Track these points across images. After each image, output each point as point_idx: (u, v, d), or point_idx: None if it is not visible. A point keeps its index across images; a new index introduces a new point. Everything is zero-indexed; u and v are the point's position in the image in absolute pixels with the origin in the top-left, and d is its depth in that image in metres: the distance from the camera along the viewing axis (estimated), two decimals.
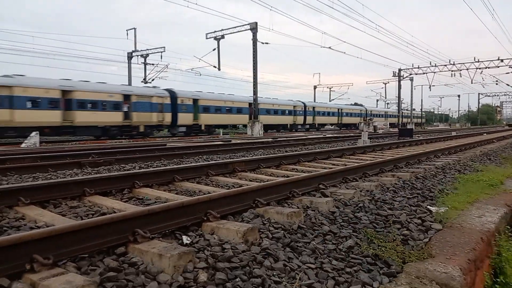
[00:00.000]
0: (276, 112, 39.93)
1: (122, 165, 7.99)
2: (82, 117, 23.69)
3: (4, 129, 20.67)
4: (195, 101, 31.27)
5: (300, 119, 44.11)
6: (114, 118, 25.48)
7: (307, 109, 45.17)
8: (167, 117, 28.94)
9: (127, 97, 26.42)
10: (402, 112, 57.10)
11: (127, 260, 2.42)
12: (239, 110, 35.28)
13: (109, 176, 4.88)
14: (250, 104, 34.06)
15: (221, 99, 34.00)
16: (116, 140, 22.41)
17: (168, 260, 2.30)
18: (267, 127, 36.41)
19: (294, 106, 43.33)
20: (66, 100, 23.19)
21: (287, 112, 41.90)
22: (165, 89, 30.05)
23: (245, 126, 34.58)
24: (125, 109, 26.20)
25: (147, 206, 3.44)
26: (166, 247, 2.47)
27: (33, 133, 16.62)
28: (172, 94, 29.68)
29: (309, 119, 45.69)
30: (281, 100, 42.55)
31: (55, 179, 5.75)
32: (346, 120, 53.40)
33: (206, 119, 31.77)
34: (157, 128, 29.51)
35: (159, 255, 2.36)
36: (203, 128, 31.75)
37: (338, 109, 52.49)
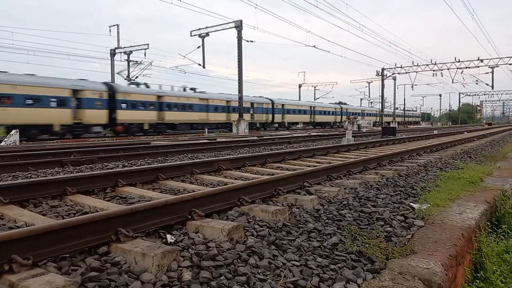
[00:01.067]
0: (325, 113, 53.94)
1: (105, 163, 7.87)
2: (234, 117, 34.09)
3: (204, 124, 33.48)
4: (283, 105, 44.99)
5: (338, 118, 57.30)
6: (247, 117, 36.03)
7: (343, 110, 58.55)
8: (270, 117, 43.20)
9: (252, 104, 40.32)
10: (405, 112, 74.26)
11: (109, 260, 2.38)
12: (305, 111, 49.78)
13: (92, 175, 4.79)
14: (310, 107, 50.80)
15: (296, 104, 48.56)
16: (99, 139, 22.18)
17: (151, 259, 2.27)
18: (319, 124, 51.87)
19: (335, 108, 57.06)
20: (228, 107, 37.01)
21: (331, 113, 55.69)
22: (267, 98, 43.19)
23: (305, 123, 50.06)
24: (251, 112, 40.06)
25: (130, 205, 3.39)
26: (150, 246, 2.44)
27: (13, 131, 16.21)
28: (272, 101, 43.40)
29: (344, 118, 57.68)
30: (328, 104, 57.96)
31: (35, 178, 5.62)
32: (366, 118, 65.05)
33: (288, 118, 46.02)
34: (263, 125, 42.11)
35: (142, 254, 2.33)
36: (286, 124, 45.45)
37: (362, 110, 66.45)
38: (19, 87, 21.13)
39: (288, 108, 45.89)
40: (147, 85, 30.30)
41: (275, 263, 2.52)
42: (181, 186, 5.04)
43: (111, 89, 26.38)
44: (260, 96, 42.76)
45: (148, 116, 28.62)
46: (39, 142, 17.99)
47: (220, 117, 36.13)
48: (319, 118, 51.96)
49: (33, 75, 22.96)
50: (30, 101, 21.76)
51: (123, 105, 26.80)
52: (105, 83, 26.78)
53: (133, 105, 27.55)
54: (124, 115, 26.75)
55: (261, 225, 3.19)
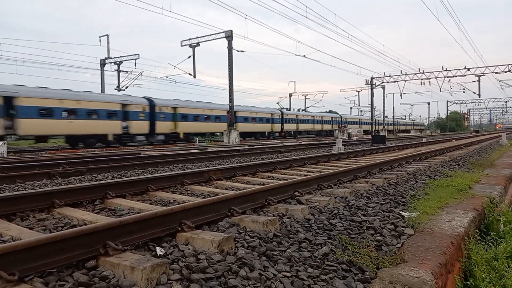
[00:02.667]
0: (366, 123, 68.14)
1: (94, 175, 7.80)
2: (326, 127, 57.60)
3: (311, 132, 54.34)
4: (346, 119, 63.91)
5: (375, 127, 72.35)
6: (328, 127, 58.53)
7: (377, 121, 72.04)
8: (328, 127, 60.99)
9: (331, 118, 60.30)
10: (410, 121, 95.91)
11: (97, 274, 2.34)
12: (356, 122, 66.34)
13: (80, 187, 4.73)
14: (359, 119, 69.40)
15: (352, 117, 68.11)
16: (88, 149, 21.98)
17: (140, 272, 2.24)
18: (365, 130, 62.98)
19: (372, 120, 73.04)
20: (322, 120, 56.71)
21: (369, 123, 66.49)
22: (336, 113, 65.31)
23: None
24: (314, 123, 55.98)
25: (119, 217, 3.35)
26: (139, 259, 2.41)
27: (0, 143, 15.98)
28: (341, 115, 63.75)
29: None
30: (366, 116, 75.90)
31: (22, 190, 5.54)
32: (402, 127, 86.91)
33: (350, 129, 56.62)
34: (329, 133, 57.92)
35: (131, 267, 2.30)
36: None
37: (392, 120, 79.21)
38: (240, 112, 39.83)
39: (347, 120, 64.53)
40: (287, 109, 53.96)
41: (265, 275, 2.50)
42: (171, 197, 5.00)
43: (282, 112, 48.47)
44: (330, 111, 67.82)
45: (293, 127, 50.22)
46: (27, 154, 17.75)
47: (317, 127, 55.81)
48: (364, 127, 66.57)
49: (246, 106, 42.80)
50: (251, 120, 41.65)
51: (285, 121, 48.26)
52: (279, 109, 50.17)
53: (288, 121, 48.81)
54: (286, 126, 48.16)
55: (251, 236, 3.17)
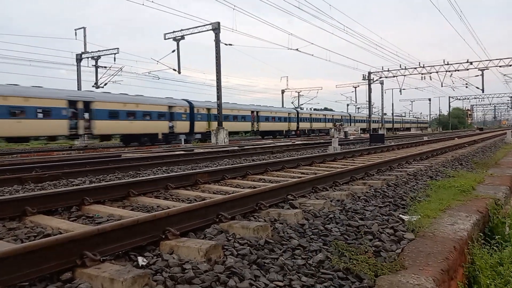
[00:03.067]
0: (389, 121, 76.49)
1: (71, 179, 7.72)
2: (315, 126, 58.53)
3: (321, 130, 57.58)
4: (354, 117, 69.95)
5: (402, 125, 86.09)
6: (328, 126, 57.62)
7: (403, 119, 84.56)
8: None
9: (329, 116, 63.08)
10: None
11: (73, 287, 2.32)
12: (364, 121, 68.75)
13: (55, 193, 4.68)
14: (366, 117, 66.01)
15: (359, 116, 72.96)
16: (64, 152, 21.78)
17: (121, 284, 2.22)
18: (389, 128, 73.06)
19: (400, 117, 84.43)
20: (330, 119, 61.34)
21: (375, 121, 76.02)
22: (331, 110, 72.38)
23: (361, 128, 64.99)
24: (326, 121, 59.90)
25: (97, 225, 3.32)
26: (119, 271, 2.40)
27: None
28: (349, 114, 70.71)
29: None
30: (389, 116, 79.78)
31: None
32: (407, 125, 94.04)
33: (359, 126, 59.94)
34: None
35: (110, 279, 2.28)
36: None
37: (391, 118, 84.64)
38: (262, 112, 45.88)
39: (357, 118, 70.81)
40: (301, 108, 59.28)
41: (256, 285, 2.50)
42: (155, 203, 4.98)
43: (297, 112, 53.36)
44: (326, 108, 74.18)
45: (307, 125, 55.09)
46: None
47: (329, 125, 57.57)
48: (372, 125, 69.50)
49: (266, 105, 48.78)
50: (271, 119, 47.26)
51: (301, 120, 53.09)
52: (294, 108, 55.93)
53: (303, 120, 53.66)
54: (301, 125, 53.01)
55: (241, 243, 3.17)
